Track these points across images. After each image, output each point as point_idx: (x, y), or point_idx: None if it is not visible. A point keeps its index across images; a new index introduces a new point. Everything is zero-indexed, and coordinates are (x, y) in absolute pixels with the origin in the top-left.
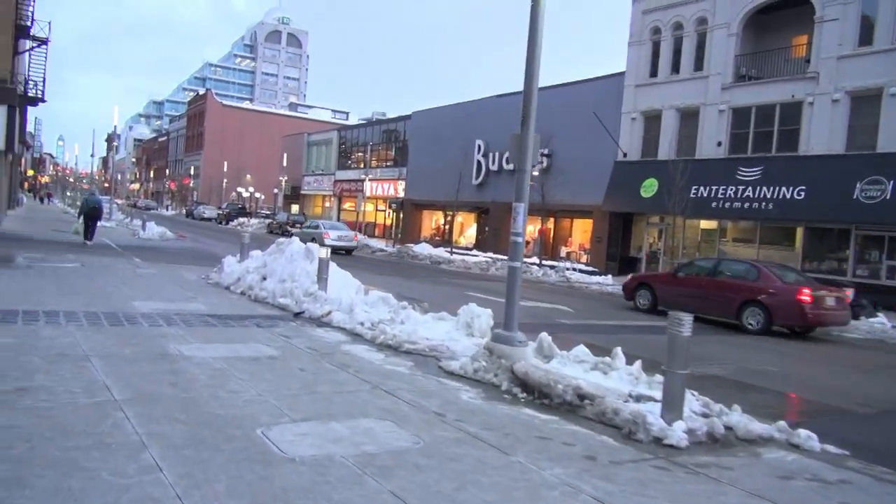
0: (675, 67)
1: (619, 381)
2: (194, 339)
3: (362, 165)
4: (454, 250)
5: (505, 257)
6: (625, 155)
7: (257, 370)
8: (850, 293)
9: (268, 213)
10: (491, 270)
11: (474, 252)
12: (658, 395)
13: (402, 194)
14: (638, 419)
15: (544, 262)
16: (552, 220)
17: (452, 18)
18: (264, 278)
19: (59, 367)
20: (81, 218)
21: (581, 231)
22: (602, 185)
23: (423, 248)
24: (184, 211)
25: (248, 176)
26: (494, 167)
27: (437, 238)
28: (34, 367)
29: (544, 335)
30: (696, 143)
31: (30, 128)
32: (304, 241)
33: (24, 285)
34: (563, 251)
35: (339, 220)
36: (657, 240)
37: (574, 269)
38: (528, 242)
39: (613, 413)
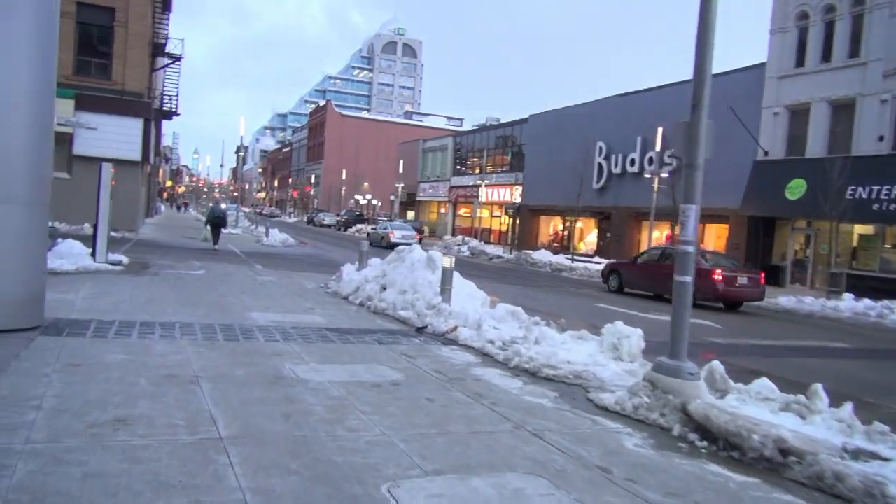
0: (826, 55)
1: (824, 428)
2: (311, 357)
3: (478, 171)
4: (575, 257)
5: None
6: (766, 153)
7: (380, 400)
8: (763, 274)
9: (384, 219)
10: None
11: (596, 259)
12: (885, 450)
13: (518, 199)
14: (874, 490)
15: None
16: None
17: (564, 23)
18: (384, 288)
19: (165, 391)
20: (208, 226)
21: (715, 237)
22: (739, 188)
23: (543, 255)
24: (305, 218)
25: (366, 184)
26: (617, 170)
27: (554, 244)
28: (139, 391)
29: (716, 364)
30: (851, 139)
31: (168, 141)
32: (375, 239)
33: (147, 294)
34: None
35: (453, 226)
36: (804, 246)
37: None
38: None
39: (835, 478)
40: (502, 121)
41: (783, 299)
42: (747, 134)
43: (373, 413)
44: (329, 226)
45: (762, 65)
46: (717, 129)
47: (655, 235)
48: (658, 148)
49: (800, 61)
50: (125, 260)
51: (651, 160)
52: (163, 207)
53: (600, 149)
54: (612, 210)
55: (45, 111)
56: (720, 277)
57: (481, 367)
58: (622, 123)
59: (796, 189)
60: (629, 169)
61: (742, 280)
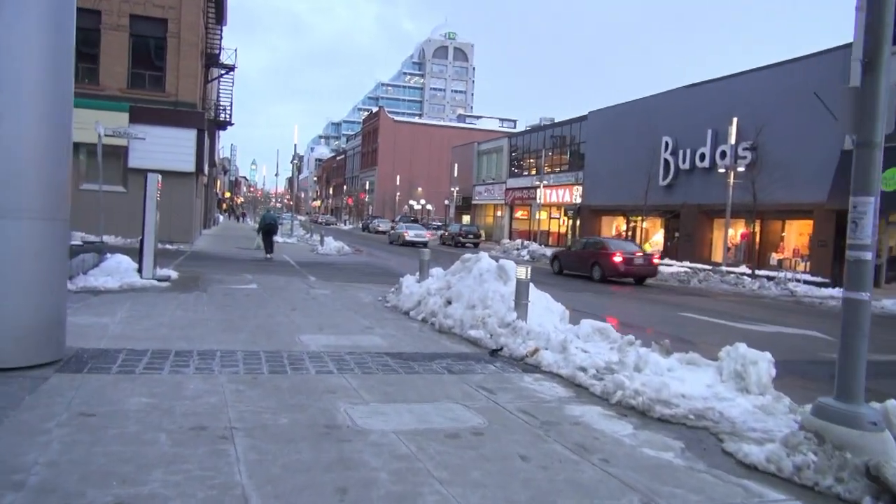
0: None
1: None
2: (370, 395)
3: (535, 172)
4: None
5: (706, 266)
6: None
7: (461, 460)
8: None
9: (439, 224)
10: (692, 282)
11: (666, 261)
12: None
13: (578, 200)
14: None
15: (758, 272)
16: (758, 222)
17: (614, 19)
18: (449, 302)
19: (188, 452)
20: (260, 234)
21: (796, 234)
22: (825, 180)
23: None
24: (360, 225)
25: (420, 189)
26: (685, 165)
27: None
28: (156, 453)
29: (893, 405)
30: None
31: (226, 153)
32: (393, 238)
33: (191, 315)
34: (774, 258)
35: (510, 230)
36: None
37: (797, 280)
38: (728, 248)
39: None
40: (556, 120)
41: (888, 302)
42: (832, 122)
43: (454, 483)
44: (384, 232)
45: (848, 45)
46: (798, 119)
47: (730, 233)
48: (732, 140)
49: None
50: (174, 275)
51: (724, 154)
52: (221, 218)
53: (666, 144)
54: (681, 208)
55: (59, 117)
56: (620, 259)
57: (577, 404)
58: (690, 116)
59: (892, 180)
60: (699, 164)
61: (638, 261)
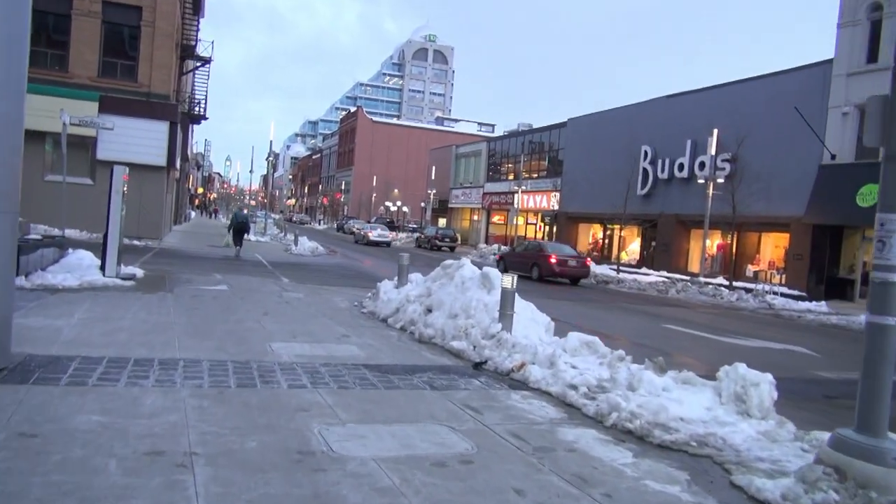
0: None
1: None
2: (348, 414)
3: (513, 177)
4: (620, 268)
5: (683, 277)
6: (833, 157)
7: (450, 495)
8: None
9: (415, 226)
10: (671, 293)
11: (643, 270)
12: None
13: (556, 206)
14: None
15: (735, 283)
16: (734, 234)
17: (593, 29)
18: (429, 310)
19: (140, 484)
20: (231, 232)
21: (772, 246)
22: (802, 194)
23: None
24: (335, 225)
25: (396, 190)
26: (664, 175)
27: (594, 253)
28: (103, 485)
29: None
30: None
31: (199, 148)
32: (359, 238)
33: (154, 318)
34: (750, 270)
35: (486, 234)
36: None
37: (775, 293)
38: (705, 259)
39: None
40: (535, 126)
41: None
42: (811, 136)
43: None
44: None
45: (829, 61)
46: (778, 132)
47: (707, 244)
48: (712, 151)
49: (872, 56)
50: (139, 273)
51: (703, 164)
52: (193, 214)
53: (645, 153)
54: (658, 217)
55: (8, 105)
56: (555, 260)
57: (570, 426)
58: (669, 126)
59: (869, 195)
60: (677, 174)
61: (572, 262)
